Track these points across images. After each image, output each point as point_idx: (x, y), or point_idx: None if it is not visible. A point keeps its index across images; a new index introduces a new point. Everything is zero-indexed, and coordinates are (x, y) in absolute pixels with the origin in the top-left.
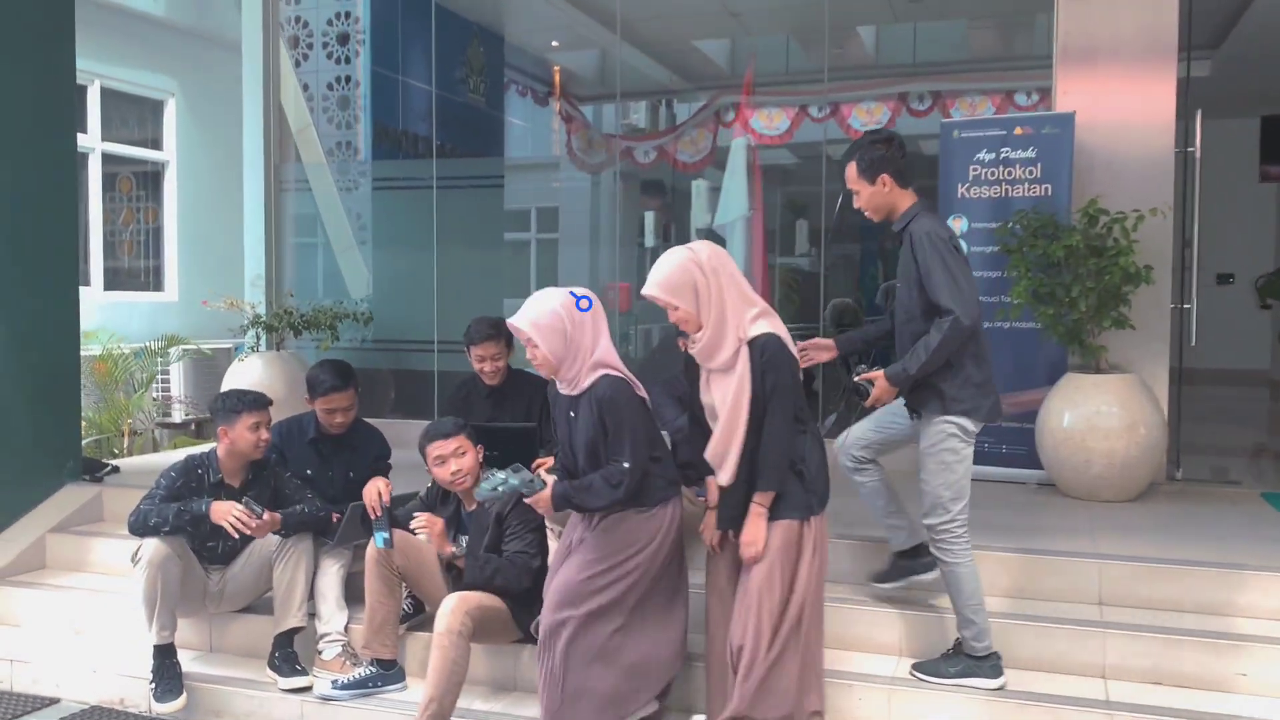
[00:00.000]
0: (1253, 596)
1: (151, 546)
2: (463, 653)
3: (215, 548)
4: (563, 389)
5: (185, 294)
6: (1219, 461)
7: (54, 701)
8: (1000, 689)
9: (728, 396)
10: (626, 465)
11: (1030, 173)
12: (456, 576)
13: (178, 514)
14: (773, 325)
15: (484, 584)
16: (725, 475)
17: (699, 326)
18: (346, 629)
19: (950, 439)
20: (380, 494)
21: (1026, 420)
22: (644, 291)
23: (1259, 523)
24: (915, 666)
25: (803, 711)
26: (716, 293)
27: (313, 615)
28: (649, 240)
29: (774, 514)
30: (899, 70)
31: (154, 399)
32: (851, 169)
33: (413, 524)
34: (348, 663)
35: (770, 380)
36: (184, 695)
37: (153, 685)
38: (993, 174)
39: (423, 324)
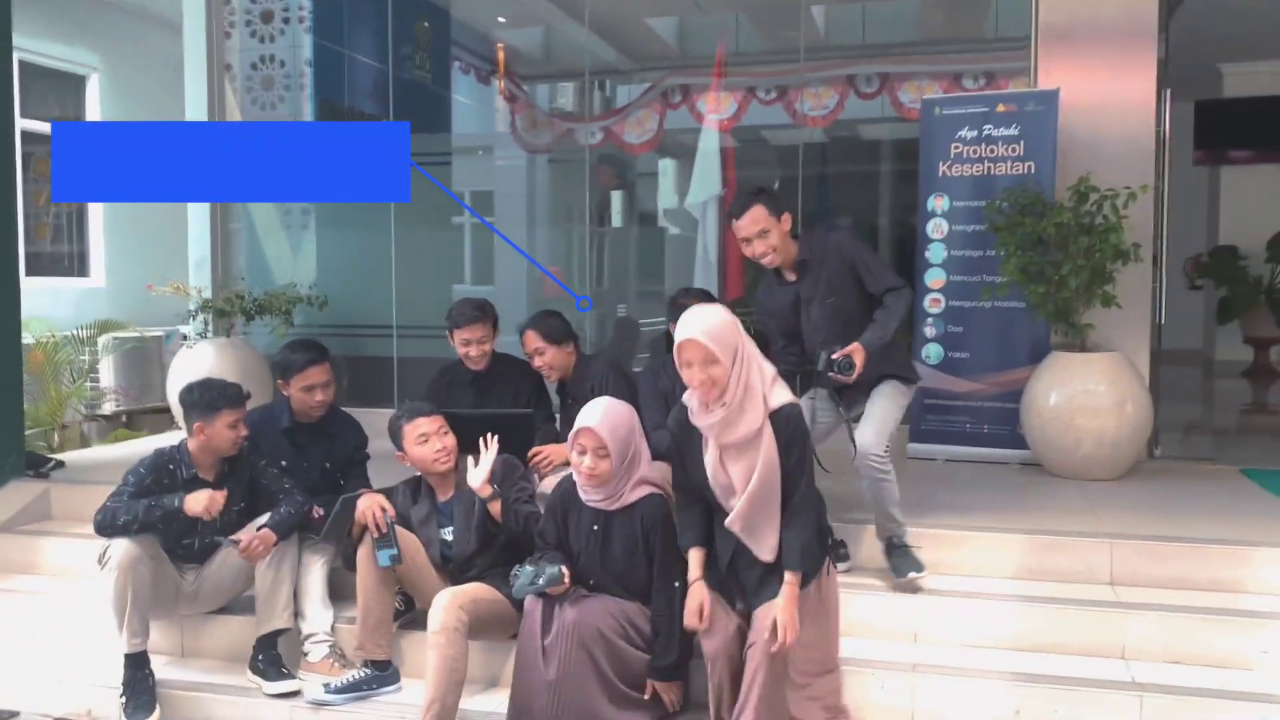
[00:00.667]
0: (1265, 572)
1: (121, 548)
2: (461, 649)
3: (191, 545)
4: (595, 500)
5: (113, 279)
6: (1186, 439)
7: (14, 715)
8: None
9: (753, 475)
10: (677, 585)
11: (1013, 150)
12: (450, 571)
13: (148, 510)
14: (788, 391)
15: (519, 534)
16: (769, 554)
17: (722, 393)
18: (333, 629)
19: (904, 395)
20: (384, 510)
21: (1009, 400)
22: (687, 336)
23: (1250, 499)
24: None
25: None
26: (745, 359)
27: (295, 615)
28: (616, 220)
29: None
30: (848, 53)
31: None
32: (760, 210)
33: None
34: (336, 664)
35: (795, 454)
36: (157, 710)
37: (124, 699)
38: (974, 151)
39: (380, 308)
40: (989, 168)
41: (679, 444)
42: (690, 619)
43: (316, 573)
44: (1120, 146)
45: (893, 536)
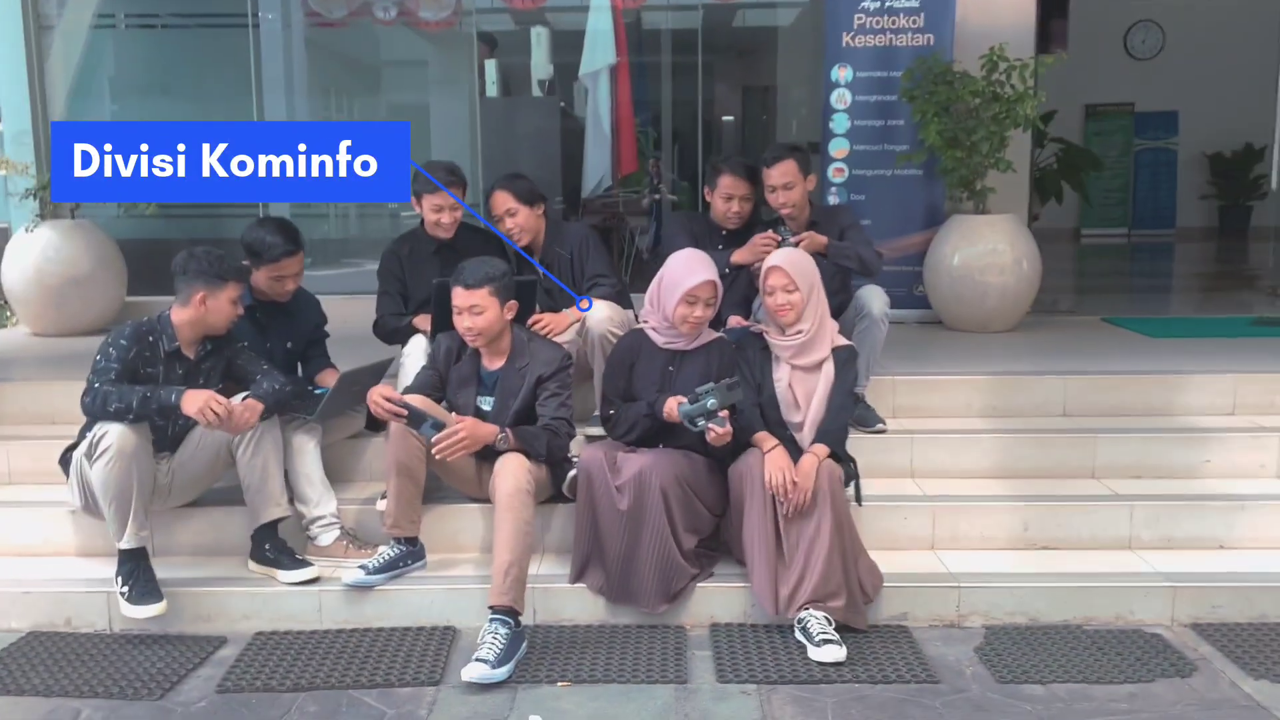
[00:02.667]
0: (1188, 397)
1: (118, 434)
2: (532, 513)
3: (164, 429)
4: (673, 343)
5: None
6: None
7: None
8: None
9: (813, 395)
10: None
11: (914, 22)
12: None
13: (143, 401)
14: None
15: (536, 455)
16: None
17: (797, 319)
18: (338, 511)
19: None
20: (388, 400)
21: (904, 264)
22: (771, 263)
23: (1129, 340)
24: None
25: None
26: (823, 302)
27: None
28: (490, 91)
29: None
30: None
31: None
32: (791, 165)
33: (436, 449)
34: (351, 546)
35: (845, 377)
36: (164, 600)
37: (125, 589)
38: (877, 23)
39: None
40: (890, 39)
41: (746, 364)
42: (779, 478)
43: (311, 455)
44: (1008, 18)
45: (862, 391)
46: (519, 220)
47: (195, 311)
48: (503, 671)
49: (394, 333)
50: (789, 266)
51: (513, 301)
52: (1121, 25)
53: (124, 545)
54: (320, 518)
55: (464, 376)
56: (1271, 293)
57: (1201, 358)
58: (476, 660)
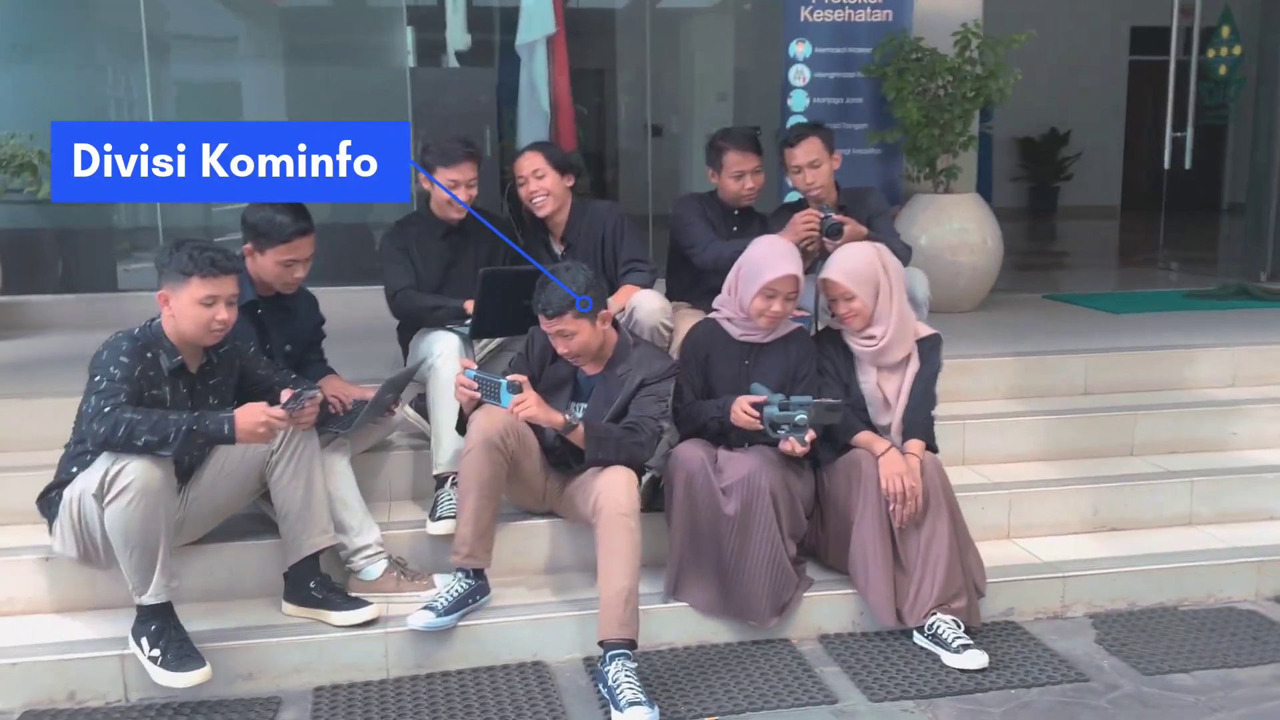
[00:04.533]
0: (1196, 370)
1: (141, 468)
2: (641, 534)
3: (181, 460)
4: (749, 335)
5: None
6: None
7: None
8: None
9: (901, 391)
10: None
11: None
12: (553, 463)
13: (186, 436)
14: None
15: (603, 462)
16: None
17: (868, 323)
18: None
19: None
20: (459, 382)
21: None
22: (824, 275)
23: (1093, 317)
24: None
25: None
26: (898, 294)
27: None
28: (409, 61)
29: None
30: None
31: None
32: (815, 143)
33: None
34: (402, 578)
35: (930, 365)
36: (207, 664)
37: (155, 653)
38: None
39: None
40: (849, 14)
41: (831, 364)
42: (898, 485)
43: (347, 476)
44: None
45: None
46: (546, 183)
47: (166, 316)
48: (657, 711)
49: (429, 312)
50: (840, 276)
51: (605, 311)
52: None
53: (148, 600)
54: (364, 548)
55: (561, 377)
56: (1166, 267)
57: (1178, 331)
58: (633, 705)
